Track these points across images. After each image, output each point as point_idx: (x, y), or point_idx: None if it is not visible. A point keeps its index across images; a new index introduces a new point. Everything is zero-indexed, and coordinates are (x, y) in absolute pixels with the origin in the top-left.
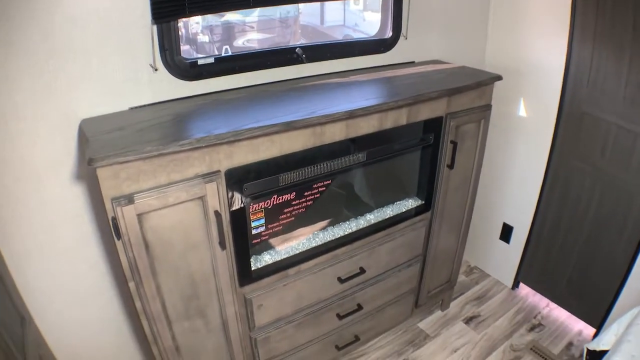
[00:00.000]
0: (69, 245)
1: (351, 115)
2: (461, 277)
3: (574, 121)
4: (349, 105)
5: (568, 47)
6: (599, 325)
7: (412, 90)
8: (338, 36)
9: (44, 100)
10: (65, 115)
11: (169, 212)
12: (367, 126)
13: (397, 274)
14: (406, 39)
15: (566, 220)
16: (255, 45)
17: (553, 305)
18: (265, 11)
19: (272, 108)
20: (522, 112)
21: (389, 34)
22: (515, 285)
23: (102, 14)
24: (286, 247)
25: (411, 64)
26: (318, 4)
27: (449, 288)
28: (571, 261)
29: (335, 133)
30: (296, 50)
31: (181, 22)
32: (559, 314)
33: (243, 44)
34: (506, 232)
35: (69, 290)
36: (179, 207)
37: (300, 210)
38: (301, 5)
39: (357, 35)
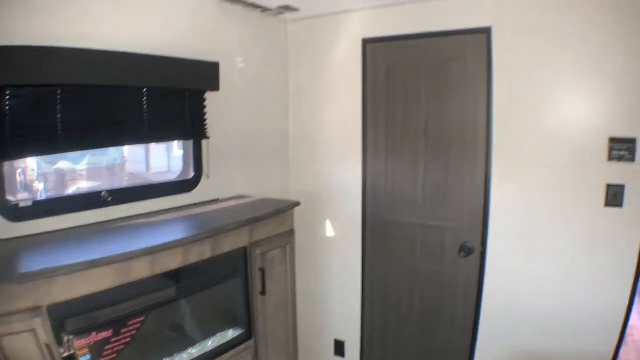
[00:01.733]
0: None
1: (152, 251)
2: None
3: (380, 230)
4: (149, 243)
5: (363, 166)
6: None
7: (213, 224)
8: None
9: None
10: None
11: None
12: (172, 262)
13: None
14: (208, 178)
15: (394, 323)
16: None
17: None
18: (94, 159)
19: (84, 248)
20: (331, 232)
21: (191, 174)
22: None
23: None
24: None
25: (216, 201)
26: (142, 151)
27: None
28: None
29: (141, 270)
30: (102, 193)
31: (19, 169)
32: None
33: (74, 192)
34: (339, 348)
35: None
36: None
37: (121, 347)
38: (126, 153)
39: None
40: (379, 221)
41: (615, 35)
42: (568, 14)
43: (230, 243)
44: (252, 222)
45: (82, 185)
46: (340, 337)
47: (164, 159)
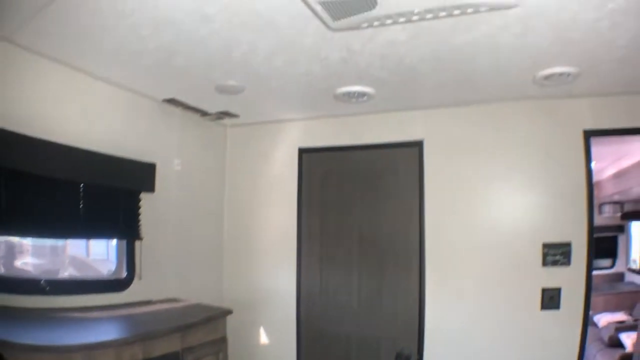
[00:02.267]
0: None
1: (89, 347)
2: None
3: (315, 339)
4: (86, 338)
5: (297, 273)
6: None
7: (145, 327)
8: (103, 270)
9: None
10: None
11: None
12: None
13: None
14: (140, 279)
15: None
16: (30, 269)
17: None
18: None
19: (26, 331)
20: (265, 339)
21: (124, 274)
22: None
23: None
24: None
25: (148, 302)
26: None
27: None
28: None
29: None
30: (41, 282)
31: None
32: None
33: (21, 265)
34: None
35: None
36: None
37: None
38: None
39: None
40: (314, 329)
41: (544, 146)
42: (497, 129)
43: (162, 347)
44: (184, 328)
45: (26, 260)
46: None
47: (103, 246)
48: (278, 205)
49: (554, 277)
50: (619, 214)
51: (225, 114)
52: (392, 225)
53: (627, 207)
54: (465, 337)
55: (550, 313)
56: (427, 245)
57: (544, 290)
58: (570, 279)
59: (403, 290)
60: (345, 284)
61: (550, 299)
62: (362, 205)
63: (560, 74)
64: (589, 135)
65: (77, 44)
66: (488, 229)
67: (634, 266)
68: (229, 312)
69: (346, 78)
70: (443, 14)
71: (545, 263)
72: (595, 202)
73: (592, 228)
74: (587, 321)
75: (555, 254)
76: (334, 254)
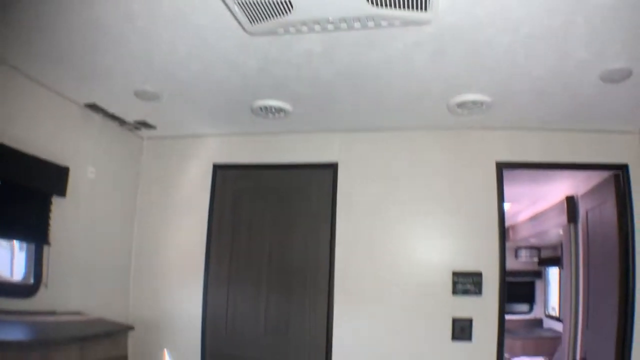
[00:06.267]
0: None
1: None
2: None
3: None
4: None
5: (204, 295)
6: None
7: (45, 336)
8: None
9: None
10: None
11: None
12: None
13: None
14: (47, 287)
15: None
16: None
17: None
18: None
19: None
20: None
21: (31, 280)
22: None
23: None
24: None
25: (52, 313)
26: None
27: None
28: None
29: None
30: None
31: None
32: None
33: None
34: None
35: None
36: None
37: None
38: None
39: None
40: (218, 355)
41: (457, 175)
42: (411, 157)
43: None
44: (83, 339)
45: None
46: None
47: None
48: (189, 221)
49: (465, 306)
50: (535, 259)
51: (142, 124)
52: (302, 247)
53: (544, 254)
54: None
55: (462, 345)
56: (336, 269)
57: (454, 320)
58: (482, 310)
59: (310, 316)
60: (252, 307)
61: (462, 329)
62: (273, 225)
63: (474, 102)
64: (502, 167)
65: (14, 44)
66: (399, 255)
67: (552, 313)
68: (130, 328)
69: (263, 90)
70: (357, 24)
71: (455, 291)
72: (512, 246)
73: (503, 259)
74: (501, 354)
75: (466, 282)
76: (243, 275)
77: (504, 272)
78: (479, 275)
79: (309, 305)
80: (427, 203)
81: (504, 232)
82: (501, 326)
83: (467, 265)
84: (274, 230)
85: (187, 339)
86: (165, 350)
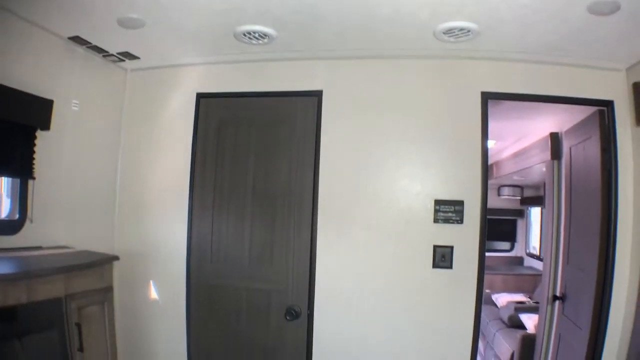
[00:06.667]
0: None
1: None
2: None
3: (205, 294)
4: None
5: (188, 225)
6: None
7: (30, 268)
8: None
9: None
10: None
11: None
12: None
13: None
14: (32, 222)
15: None
16: None
17: None
18: None
19: None
20: (154, 294)
21: (16, 216)
22: None
23: None
24: None
25: (38, 248)
26: None
27: None
28: None
29: None
30: None
31: None
32: None
33: None
34: None
35: None
36: None
37: None
38: None
39: None
40: (204, 284)
41: (442, 104)
42: (397, 85)
43: (46, 291)
44: (67, 270)
45: None
46: None
47: None
48: (173, 152)
49: (446, 234)
50: (518, 198)
51: (126, 55)
52: (286, 176)
53: (527, 193)
54: (357, 293)
55: (442, 272)
56: (320, 198)
57: (435, 248)
58: (463, 238)
59: (294, 244)
60: (236, 238)
61: (442, 257)
62: (257, 154)
63: (461, 29)
64: (487, 97)
65: None
66: (382, 183)
67: (533, 252)
68: (115, 258)
69: (246, 14)
70: None
71: (436, 219)
72: (495, 184)
73: (485, 188)
74: (481, 284)
75: (447, 211)
76: (227, 205)
77: (485, 201)
78: (460, 203)
79: (292, 233)
80: (412, 131)
81: (486, 160)
82: (481, 255)
83: (450, 194)
84: (257, 158)
85: (172, 269)
86: (151, 282)
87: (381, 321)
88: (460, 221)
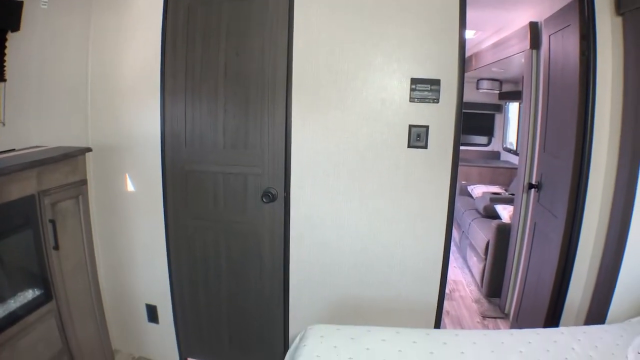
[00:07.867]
0: None
1: None
2: None
3: (180, 182)
4: None
5: (161, 113)
6: None
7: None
8: None
9: None
10: None
11: None
12: None
13: None
14: (4, 125)
15: (203, 281)
16: None
17: None
18: None
19: None
20: (130, 186)
21: None
22: None
23: None
24: None
25: (11, 151)
26: None
27: None
28: (223, 318)
29: None
30: None
31: None
32: None
33: None
34: (152, 313)
35: None
36: None
37: None
38: None
39: None
40: (179, 171)
41: None
42: None
43: (18, 189)
44: (38, 164)
45: None
46: (152, 302)
47: None
48: (144, 40)
49: (422, 114)
50: (497, 92)
51: None
52: (259, 58)
53: (506, 88)
54: (333, 174)
55: (418, 152)
56: (294, 77)
57: (411, 127)
58: (439, 118)
59: (269, 126)
60: (210, 122)
61: (418, 136)
62: (229, 35)
63: None
64: None
65: None
66: (358, 62)
67: (510, 147)
68: (88, 149)
69: None
70: None
71: (412, 99)
72: (474, 76)
73: (462, 67)
74: (456, 165)
75: (424, 90)
76: (199, 90)
77: (462, 80)
78: (437, 82)
79: (267, 116)
80: (389, 11)
81: (464, 40)
82: (457, 135)
83: (426, 72)
84: (228, 40)
85: (147, 158)
86: (126, 174)
87: (356, 200)
88: (437, 100)
